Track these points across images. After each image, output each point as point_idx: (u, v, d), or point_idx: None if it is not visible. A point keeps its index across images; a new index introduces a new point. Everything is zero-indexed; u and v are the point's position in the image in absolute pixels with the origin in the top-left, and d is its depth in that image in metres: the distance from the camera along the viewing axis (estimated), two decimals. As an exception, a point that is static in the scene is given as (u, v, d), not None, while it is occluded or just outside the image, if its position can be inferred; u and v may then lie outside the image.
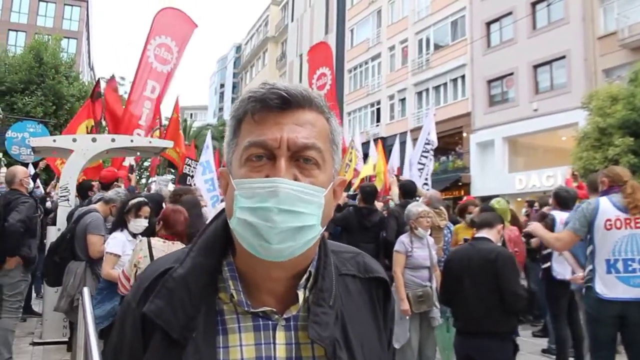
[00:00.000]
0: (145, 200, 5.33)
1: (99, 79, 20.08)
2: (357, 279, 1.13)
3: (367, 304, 1.13)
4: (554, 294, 6.39)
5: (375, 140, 18.61)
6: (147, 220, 5.02)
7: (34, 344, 6.83)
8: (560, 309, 6.32)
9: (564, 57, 23.54)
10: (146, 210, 5.09)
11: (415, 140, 14.55)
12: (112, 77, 12.25)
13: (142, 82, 9.70)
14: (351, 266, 1.14)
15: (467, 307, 4.28)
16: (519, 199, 23.20)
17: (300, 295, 1.01)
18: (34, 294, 9.75)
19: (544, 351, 7.23)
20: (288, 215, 0.91)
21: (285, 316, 1.01)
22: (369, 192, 6.87)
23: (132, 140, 8.13)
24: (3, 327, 5.75)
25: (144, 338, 0.99)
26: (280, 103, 0.96)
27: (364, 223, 6.49)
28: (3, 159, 14.63)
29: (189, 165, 11.43)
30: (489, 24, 27.95)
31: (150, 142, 8.38)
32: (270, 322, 1.00)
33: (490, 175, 26.25)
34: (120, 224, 5.10)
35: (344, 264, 1.13)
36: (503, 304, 4.13)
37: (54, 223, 7.33)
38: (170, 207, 4.58)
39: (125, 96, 13.49)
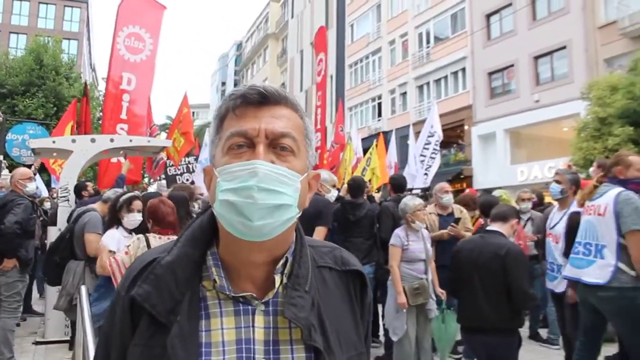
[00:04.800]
0: (136, 194, 5.34)
1: (85, 82, 20.10)
2: (334, 272, 1.18)
3: (344, 295, 1.18)
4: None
5: (377, 135, 18.65)
6: (140, 214, 5.01)
7: (37, 343, 6.89)
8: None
9: (564, 47, 23.46)
10: (137, 204, 5.03)
11: (417, 133, 14.61)
12: None
13: (117, 76, 9.58)
14: (328, 259, 1.19)
15: (474, 302, 4.18)
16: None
17: (277, 279, 1.07)
18: (36, 294, 9.83)
19: (544, 341, 7.25)
20: (267, 194, 0.97)
21: (263, 300, 1.06)
22: (352, 186, 6.85)
23: (131, 140, 8.17)
24: (3, 327, 5.80)
25: (132, 323, 1.05)
26: (259, 98, 1.05)
27: (348, 217, 6.48)
28: (4, 161, 14.72)
29: (173, 165, 11.41)
30: (488, 15, 27.87)
31: (148, 141, 8.42)
32: (250, 307, 1.06)
33: (492, 167, 26.23)
34: (114, 221, 5.07)
35: (322, 257, 1.19)
36: (510, 301, 4.05)
37: (53, 223, 7.38)
38: (154, 201, 4.51)
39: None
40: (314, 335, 1.03)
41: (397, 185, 7.38)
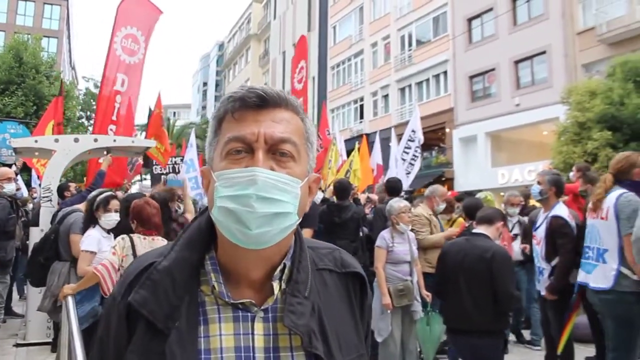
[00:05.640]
0: (113, 194, 5.31)
1: (62, 80, 19.89)
2: (334, 274, 1.17)
3: (343, 297, 1.17)
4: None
5: (359, 137, 18.71)
6: (117, 214, 4.98)
7: (17, 345, 6.79)
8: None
9: (544, 52, 23.80)
10: (115, 203, 5.01)
11: (399, 135, 14.69)
12: None
13: (112, 77, 9.47)
14: (328, 261, 1.18)
15: (460, 304, 4.20)
16: (502, 194, 23.42)
17: (275, 286, 1.05)
18: (16, 296, 9.71)
19: (527, 342, 7.35)
20: (266, 202, 0.95)
21: (263, 307, 1.05)
22: (338, 188, 6.89)
23: (114, 140, 8.10)
24: (-14, 329, 5.73)
25: (128, 329, 1.02)
26: (258, 101, 1.02)
27: (334, 219, 6.52)
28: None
29: (159, 164, 11.34)
30: (470, 19, 28.14)
31: (132, 141, 8.36)
32: (249, 314, 1.04)
33: (474, 170, 26.47)
34: (91, 221, 5.04)
35: (322, 259, 1.18)
36: (496, 303, 4.07)
37: (34, 223, 7.29)
38: (139, 202, 4.49)
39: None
40: (314, 342, 1.02)
41: (393, 188, 7.37)
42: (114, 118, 9.50)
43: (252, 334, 1.03)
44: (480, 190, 10.90)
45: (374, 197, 9.10)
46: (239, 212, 0.95)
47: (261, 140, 0.99)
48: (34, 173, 13.96)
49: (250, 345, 1.02)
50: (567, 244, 5.04)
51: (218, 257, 1.07)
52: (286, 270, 1.08)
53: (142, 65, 10.07)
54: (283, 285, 1.07)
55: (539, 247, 5.50)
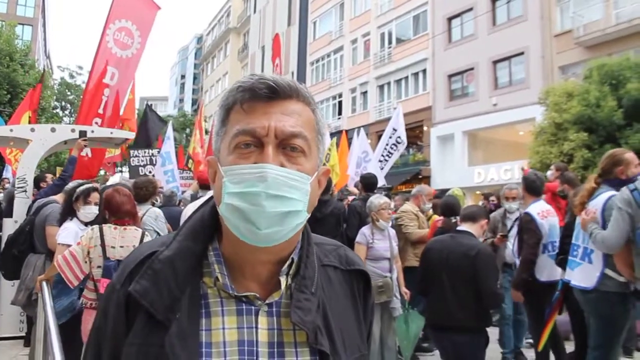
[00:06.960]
0: (95, 186, 5.18)
1: (44, 69, 19.57)
2: (338, 271, 1.16)
3: (347, 295, 1.15)
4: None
5: (338, 133, 18.67)
6: (97, 207, 4.86)
7: (-12, 339, 6.66)
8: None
9: (522, 53, 24.07)
10: (95, 196, 4.87)
11: (377, 132, 14.67)
12: None
13: (101, 69, 9.32)
14: (333, 258, 1.17)
15: (443, 301, 4.19)
16: (478, 192, 23.69)
17: (283, 281, 1.03)
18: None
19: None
20: (276, 200, 0.93)
21: (267, 302, 1.03)
22: None
23: (92, 131, 7.92)
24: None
25: (127, 320, 1.00)
26: (268, 92, 0.98)
27: (315, 214, 6.51)
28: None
29: (137, 156, 11.18)
30: (450, 19, 28.35)
31: (111, 132, 8.20)
32: (253, 307, 1.02)
33: (450, 168, 26.70)
34: (68, 213, 4.89)
35: (326, 256, 1.16)
36: (479, 301, 4.08)
37: (8, 214, 7.11)
38: (109, 190, 4.35)
39: (83, 85, 13.02)
40: (320, 338, 1.01)
41: (368, 184, 7.37)
42: (100, 111, 9.31)
43: (256, 327, 1.01)
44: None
45: (354, 190, 9.09)
46: (248, 211, 0.93)
47: (271, 134, 0.96)
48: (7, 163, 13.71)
49: (253, 340, 1.00)
50: (530, 239, 5.17)
51: (222, 249, 1.04)
52: (293, 266, 1.06)
53: (137, 61, 9.91)
54: (289, 281, 1.05)
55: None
